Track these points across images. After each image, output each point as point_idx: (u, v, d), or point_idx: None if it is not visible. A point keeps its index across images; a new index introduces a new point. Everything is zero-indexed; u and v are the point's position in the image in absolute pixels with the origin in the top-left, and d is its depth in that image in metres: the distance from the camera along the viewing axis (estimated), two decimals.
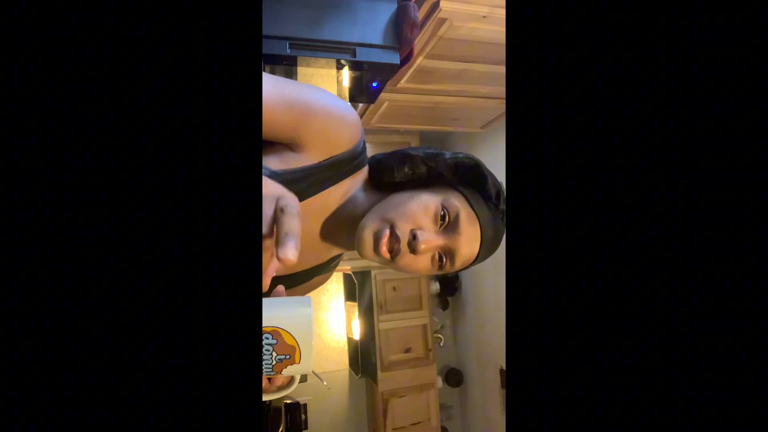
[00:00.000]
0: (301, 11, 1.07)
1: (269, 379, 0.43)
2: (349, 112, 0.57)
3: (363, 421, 2.65)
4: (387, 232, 0.53)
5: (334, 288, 2.71)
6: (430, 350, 2.47)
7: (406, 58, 1.22)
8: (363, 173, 0.62)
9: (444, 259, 0.56)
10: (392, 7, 1.16)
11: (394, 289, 2.45)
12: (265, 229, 0.36)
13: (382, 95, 1.61)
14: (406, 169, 0.59)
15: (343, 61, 1.14)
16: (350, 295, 2.65)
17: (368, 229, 0.54)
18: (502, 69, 1.55)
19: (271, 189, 0.38)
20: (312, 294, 0.69)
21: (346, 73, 1.20)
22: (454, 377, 2.75)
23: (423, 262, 0.56)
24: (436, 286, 2.72)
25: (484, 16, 1.25)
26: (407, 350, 2.44)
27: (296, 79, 1.21)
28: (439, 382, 2.60)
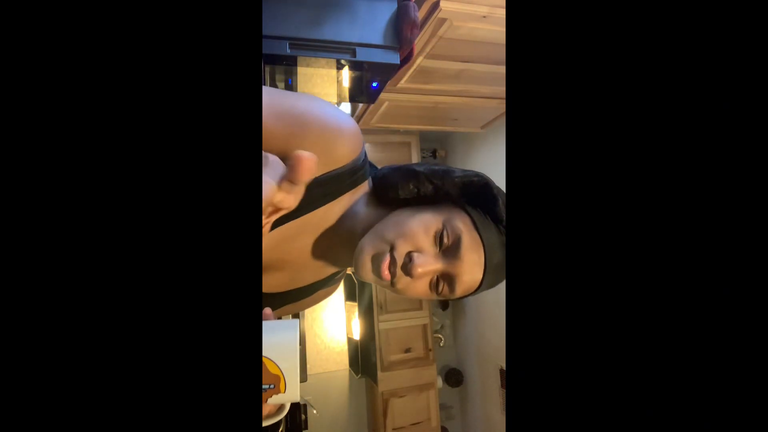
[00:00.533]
0: (301, 11, 1.07)
1: None
2: (347, 124, 0.52)
3: (363, 421, 2.65)
4: (387, 256, 0.50)
5: None
6: (430, 350, 2.48)
7: (406, 58, 1.22)
8: (364, 187, 0.58)
9: (442, 284, 0.53)
10: (392, 7, 1.16)
11: None
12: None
13: (382, 95, 1.61)
14: (411, 186, 0.55)
15: (343, 61, 1.14)
16: (350, 295, 2.65)
17: (366, 252, 0.51)
18: (502, 69, 1.55)
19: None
20: None
21: (346, 73, 1.20)
22: (454, 377, 2.75)
23: (421, 287, 0.52)
24: None
25: (484, 16, 1.25)
26: (407, 350, 2.44)
27: (296, 78, 1.21)
28: (439, 382, 2.60)
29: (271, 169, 0.36)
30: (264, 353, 0.37)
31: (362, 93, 1.32)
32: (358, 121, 1.96)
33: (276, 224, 0.54)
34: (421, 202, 0.55)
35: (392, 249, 0.50)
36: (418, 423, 2.42)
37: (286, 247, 0.56)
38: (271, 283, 0.60)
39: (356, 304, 2.55)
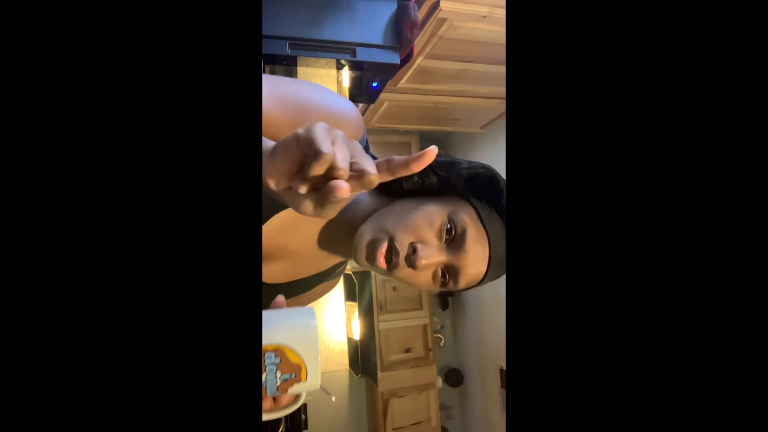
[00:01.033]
0: (301, 11, 1.07)
1: (274, 399, 0.41)
2: (349, 109, 0.53)
3: (363, 421, 2.65)
4: (385, 243, 0.49)
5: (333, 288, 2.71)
6: (430, 350, 2.47)
7: (406, 58, 1.22)
8: None
9: (447, 277, 0.52)
10: (392, 7, 1.16)
11: (394, 289, 2.45)
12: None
13: (382, 95, 1.61)
14: (416, 178, 0.54)
15: (343, 61, 1.14)
16: (350, 295, 2.65)
17: (365, 239, 0.51)
18: (502, 69, 1.55)
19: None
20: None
21: (346, 73, 1.20)
22: (454, 377, 2.75)
23: (423, 278, 0.52)
24: None
25: (484, 16, 1.25)
26: (407, 350, 2.44)
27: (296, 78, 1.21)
28: (439, 382, 2.60)
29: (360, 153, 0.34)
30: (283, 342, 0.35)
31: (362, 93, 1.32)
32: None
33: (276, 211, 0.54)
34: (425, 193, 0.55)
35: (392, 239, 0.49)
36: (418, 423, 2.42)
37: (287, 234, 0.56)
38: (272, 273, 0.60)
39: (356, 304, 2.55)
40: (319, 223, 0.57)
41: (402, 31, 1.14)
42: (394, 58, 1.17)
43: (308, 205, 0.33)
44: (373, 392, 2.49)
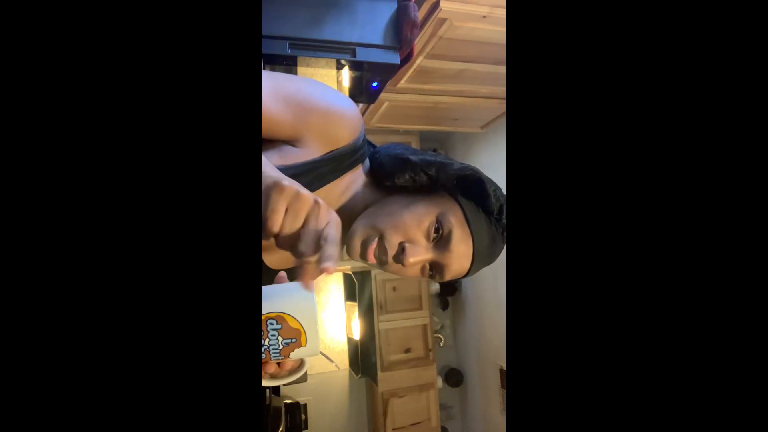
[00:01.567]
0: (301, 11, 1.07)
1: (278, 365, 0.44)
2: (348, 106, 0.56)
3: (363, 421, 2.65)
4: (375, 241, 0.53)
5: (334, 288, 2.71)
6: (430, 350, 2.47)
7: (406, 58, 1.22)
8: (364, 167, 0.61)
9: (433, 271, 0.57)
10: (392, 7, 1.16)
11: (394, 289, 2.45)
12: (308, 246, 0.36)
13: (382, 95, 1.61)
14: (407, 176, 0.57)
15: (343, 61, 1.14)
16: (350, 295, 2.65)
17: (357, 238, 0.55)
18: (502, 69, 1.55)
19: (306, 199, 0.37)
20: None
21: (346, 73, 1.20)
22: (454, 377, 2.75)
23: (411, 272, 0.56)
24: (436, 286, 2.72)
25: (484, 16, 1.25)
26: (407, 350, 2.44)
27: None
28: (439, 382, 2.59)
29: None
30: (284, 310, 0.38)
31: (362, 93, 1.32)
32: None
33: None
34: (416, 189, 0.58)
35: (382, 237, 0.54)
36: (418, 423, 2.41)
37: None
38: (276, 261, 0.62)
39: (356, 304, 2.55)
40: None
41: (402, 31, 1.14)
42: (394, 58, 1.17)
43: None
44: (373, 392, 2.49)
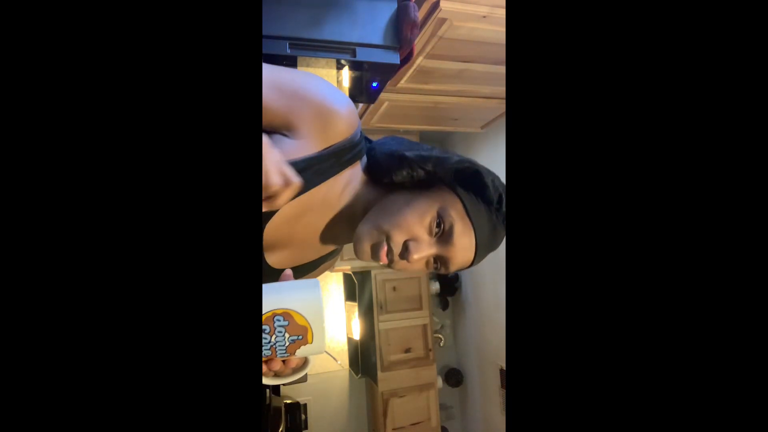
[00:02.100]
0: (301, 11, 1.07)
1: (284, 362, 0.44)
2: (342, 100, 0.56)
3: (363, 421, 2.65)
4: (384, 245, 0.55)
5: (334, 288, 2.71)
6: (430, 350, 2.47)
7: (406, 58, 1.22)
8: (362, 163, 0.62)
9: (438, 264, 0.58)
10: (392, 7, 1.16)
11: (394, 289, 2.45)
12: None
13: (382, 95, 1.61)
14: (405, 173, 0.58)
15: (343, 61, 1.14)
16: (350, 295, 2.65)
17: (365, 242, 0.56)
18: (502, 69, 1.55)
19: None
20: None
21: (346, 73, 1.20)
22: (454, 377, 2.75)
23: (417, 267, 0.57)
24: (436, 286, 2.72)
25: (484, 16, 1.25)
26: (407, 350, 2.44)
27: None
28: (439, 382, 2.59)
29: None
30: (291, 307, 0.38)
31: (362, 93, 1.32)
32: None
33: None
34: (415, 185, 0.59)
35: (388, 239, 0.55)
36: (418, 423, 2.42)
37: (293, 224, 0.59)
38: (279, 260, 0.63)
39: (356, 304, 2.55)
40: (321, 214, 0.60)
41: (402, 31, 1.14)
42: (394, 58, 1.17)
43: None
44: (373, 392, 2.49)
